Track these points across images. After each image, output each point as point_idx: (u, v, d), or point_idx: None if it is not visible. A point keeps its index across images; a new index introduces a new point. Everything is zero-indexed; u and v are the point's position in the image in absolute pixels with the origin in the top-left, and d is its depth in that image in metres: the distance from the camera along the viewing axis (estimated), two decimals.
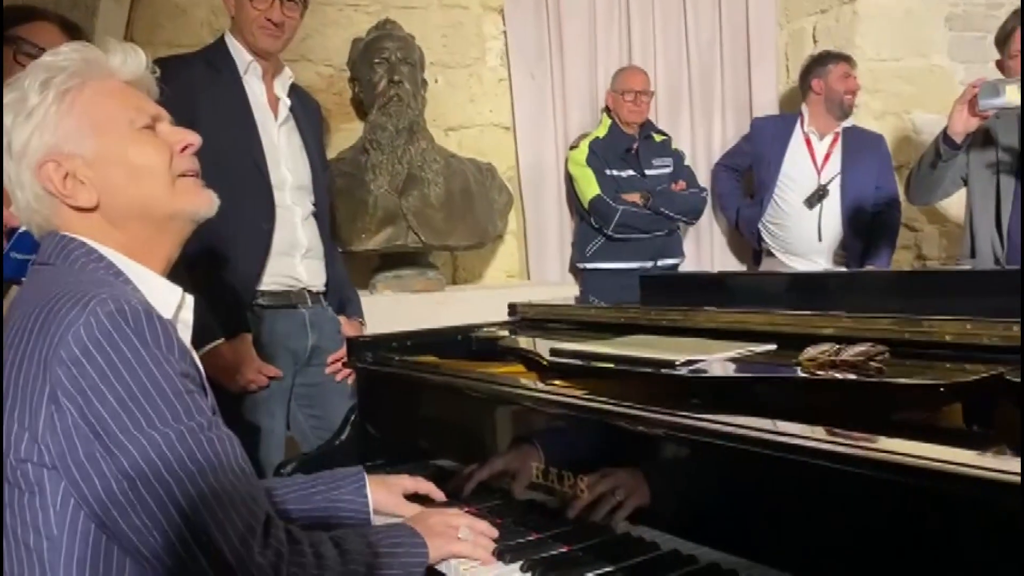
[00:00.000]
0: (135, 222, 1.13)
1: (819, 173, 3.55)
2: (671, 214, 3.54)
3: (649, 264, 3.52)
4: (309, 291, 2.21)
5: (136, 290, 1.09)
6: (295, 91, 2.28)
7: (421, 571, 1.17)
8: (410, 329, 1.95)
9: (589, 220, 3.57)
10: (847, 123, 3.61)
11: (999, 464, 0.78)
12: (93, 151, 1.10)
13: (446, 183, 3.13)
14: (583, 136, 3.67)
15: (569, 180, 3.69)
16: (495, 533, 1.27)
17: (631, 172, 3.58)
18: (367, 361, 1.87)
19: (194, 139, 1.18)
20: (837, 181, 3.52)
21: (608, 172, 3.53)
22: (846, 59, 3.56)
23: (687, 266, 3.77)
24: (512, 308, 2.07)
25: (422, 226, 3.03)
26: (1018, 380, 0.98)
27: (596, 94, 3.84)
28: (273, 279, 2.13)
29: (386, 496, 1.42)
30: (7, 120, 1.10)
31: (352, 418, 1.87)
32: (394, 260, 3.21)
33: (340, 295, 2.36)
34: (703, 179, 3.88)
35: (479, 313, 2.07)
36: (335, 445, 1.86)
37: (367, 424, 1.85)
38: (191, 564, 0.97)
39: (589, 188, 3.51)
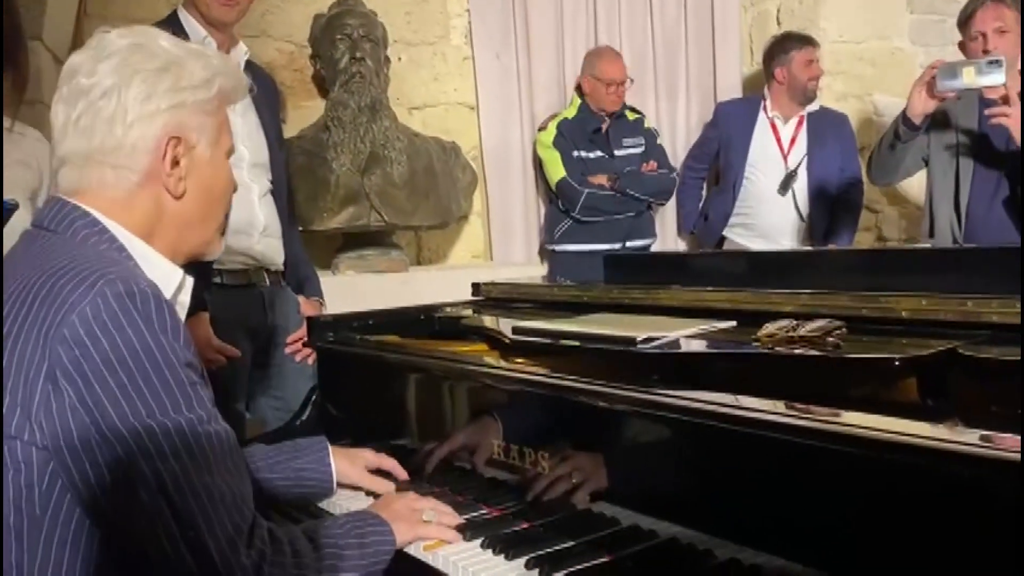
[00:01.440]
0: (176, 230, 1.13)
1: (786, 158, 3.57)
2: (639, 195, 3.53)
3: (619, 245, 3.51)
4: (267, 270, 2.18)
5: (138, 269, 1.06)
6: (251, 67, 2.23)
7: (389, 557, 1.16)
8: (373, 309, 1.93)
9: (557, 202, 3.57)
10: (813, 106, 3.63)
11: (953, 436, 0.79)
12: (205, 158, 1.13)
13: (409, 162, 3.10)
14: (552, 117, 3.64)
15: (538, 162, 3.68)
16: (459, 518, 1.26)
17: (599, 153, 3.57)
18: (328, 341, 1.85)
19: (235, 185, 1.22)
20: (803, 164, 3.54)
21: (575, 154, 3.52)
22: (809, 42, 3.56)
23: (658, 247, 3.78)
24: (476, 287, 2.06)
25: (385, 205, 3.00)
26: (972, 354, 0.99)
27: (562, 73, 3.82)
28: (231, 258, 2.09)
29: (348, 467, 1.42)
30: (146, 64, 1.07)
31: (313, 398, 1.85)
32: (357, 240, 3.18)
33: (299, 274, 2.33)
34: (675, 159, 3.88)
35: (443, 293, 2.06)
36: (295, 426, 1.84)
37: (328, 404, 1.83)
38: (176, 561, 0.95)
39: (555, 170, 3.51)
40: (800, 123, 3.59)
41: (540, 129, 3.64)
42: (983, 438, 0.77)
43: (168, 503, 0.94)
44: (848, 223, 3.58)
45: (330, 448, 1.43)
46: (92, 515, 0.96)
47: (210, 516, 0.96)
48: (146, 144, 1.07)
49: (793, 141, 3.58)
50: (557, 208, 3.58)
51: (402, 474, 1.47)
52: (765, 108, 3.61)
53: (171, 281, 1.11)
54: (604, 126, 3.57)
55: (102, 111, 1.06)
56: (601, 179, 3.49)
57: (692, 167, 3.83)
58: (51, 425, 0.93)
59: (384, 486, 1.43)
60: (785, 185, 3.53)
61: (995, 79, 2.45)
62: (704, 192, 3.90)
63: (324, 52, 3.16)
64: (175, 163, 1.09)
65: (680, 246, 4.01)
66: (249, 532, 0.99)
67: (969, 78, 2.46)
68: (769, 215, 3.58)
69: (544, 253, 3.78)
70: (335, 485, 1.41)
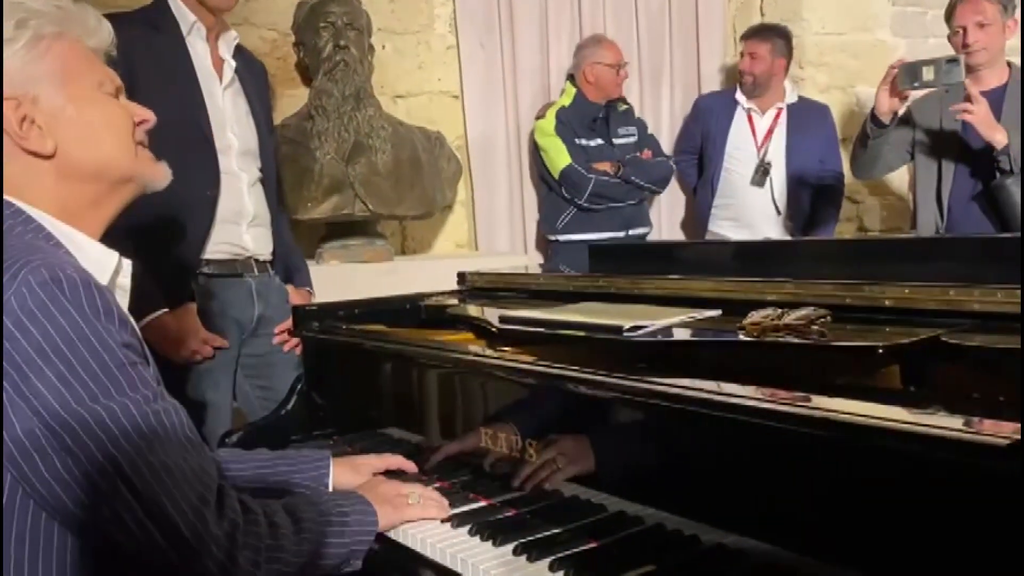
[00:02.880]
0: (87, 180, 1.09)
1: (759, 149, 3.59)
2: (642, 183, 3.53)
3: (621, 234, 3.51)
4: (256, 260, 2.16)
5: (69, 255, 1.04)
6: (240, 53, 2.21)
7: (371, 538, 1.16)
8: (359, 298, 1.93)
9: (559, 191, 3.49)
10: (792, 98, 3.65)
11: (937, 421, 0.80)
12: (59, 102, 1.07)
13: (394, 151, 3.08)
14: (548, 106, 3.60)
15: (534, 151, 3.63)
16: (444, 501, 1.27)
17: (600, 141, 3.54)
18: (314, 330, 1.85)
19: (151, 117, 1.17)
20: (782, 155, 3.56)
21: (577, 141, 3.48)
22: (756, 34, 3.58)
23: (653, 236, 3.79)
24: (461, 277, 2.06)
25: (369, 195, 2.99)
26: (956, 342, 1.01)
27: (547, 63, 3.81)
28: (218, 247, 2.08)
29: (353, 478, 1.38)
30: None
31: (299, 388, 1.85)
32: (341, 229, 3.17)
33: (288, 264, 2.32)
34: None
35: (428, 283, 2.06)
36: (281, 415, 1.84)
37: (314, 393, 1.83)
38: (144, 539, 0.94)
39: (560, 158, 3.44)
40: (778, 115, 3.61)
41: (538, 117, 3.58)
42: (967, 424, 0.78)
43: (127, 486, 0.93)
44: (829, 214, 3.61)
45: (332, 463, 1.38)
46: (50, 509, 0.94)
47: (172, 492, 0.95)
48: None
49: (769, 133, 3.60)
50: (559, 197, 3.51)
51: (412, 469, 1.45)
52: (740, 100, 3.64)
53: (106, 266, 1.09)
54: (602, 114, 3.55)
55: None
56: (606, 166, 3.47)
57: (683, 160, 3.84)
58: None
59: None
60: (756, 177, 3.55)
61: (954, 77, 2.51)
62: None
63: (308, 40, 3.14)
64: (23, 123, 1.04)
65: (678, 235, 4.03)
66: (218, 502, 0.98)
67: (928, 76, 2.52)
68: (751, 207, 3.59)
69: (543, 244, 3.74)
70: None
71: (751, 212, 3.59)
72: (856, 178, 3.31)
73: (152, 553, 0.95)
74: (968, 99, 2.57)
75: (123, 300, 1.10)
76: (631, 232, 3.56)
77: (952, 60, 2.50)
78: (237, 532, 0.98)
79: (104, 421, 0.93)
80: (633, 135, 3.62)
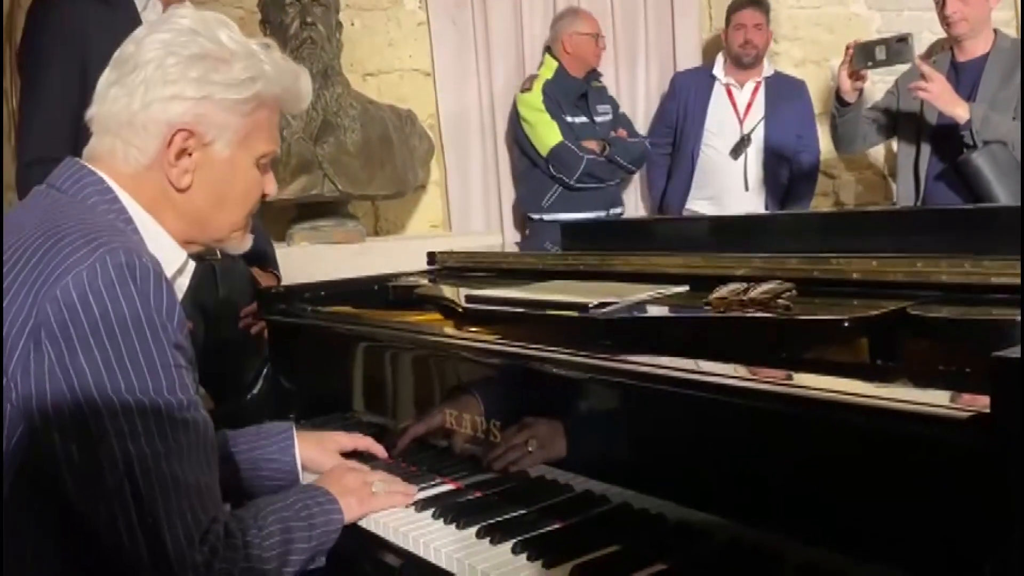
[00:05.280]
0: (188, 220, 1.10)
1: (741, 123, 3.57)
2: (624, 163, 3.50)
3: (603, 213, 3.47)
4: None
5: (143, 243, 1.03)
6: None
7: (336, 535, 1.13)
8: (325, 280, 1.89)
9: (544, 168, 3.40)
10: (768, 71, 3.63)
11: (901, 395, 0.78)
12: (223, 156, 1.09)
13: (363, 130, 3.04)
14: (532, 78, 3.49)
15: (513, 124, 3.51)
16: (410, 488, 1.24)
17: (584, 119, 3.48)
18: (279, 313, 1.81)
19: (274, 192, 1.20)
20: (760, 130, 3.55)
21: (565, 118, 3.40)
22: (745, 5, 3.54)
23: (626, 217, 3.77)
24: (431, 257, 2.03)
25: (339, 174, 2.95)
26: (922, 314, 0.99)
27: (520, 38, 3.76)
28: None
29: (319, 453, 1.37)
30: (189, 48, 1.04)
31: (265, 372, 1.82)
32: (312, 210, 3.12)
33: (254, 246, 2.26)
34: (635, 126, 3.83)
35: (400, 264, 2.03)
36: (247, 400, 1.81)
37: (280, 377, 1.80)
38: (130, 550, 0.92)
39: (550, 135, 3.35)
40: (756, 89, 3.59)
41: (524, 90, 3.47)
42: (935, 397, 0.76)
43: (131, 486, 0.91)
44: (805, 189, 3.60)
45: (296, 435, 1.36)
46: (45, 489, 0.92)
47: (172, 506, 0.92)
48: (157, 128, 1.05)
49: (749, 106, 3.58)
50: (543, 175, 3.42)
51: (381, 452, 1.42)
52: (719, 74, 3.60)
53: (173, 261, 1.09)
54: (586, 91, 3.50)
55: (129, 82, 1.04)
56: (592, 144, 3.42)
57: (656, 143, 3.75)
58: (26, 385, 0.91)
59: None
60: (737, 149, 3.52)
61: (904, 56, 2.53)
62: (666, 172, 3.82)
63: (273, 18, 3.07)
64: (181, 155, 1.06)
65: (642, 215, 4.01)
66: (206, 528, 0.96)
67: (881, 56, 2.56)
68: (728, 184, 3.57)
69: (520, 222, 3.68)
70: (300, 475, 1.34)
71: (728, 188, 3.58)
72: (838, 153, 3.31)
73: (132, 565, 0.92)
74: (924, 77, 2.58)
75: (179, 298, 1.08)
76: (611, 212, 3.53)
77: (901, 39, 2.52)
78: (215, 559, 0.95)
79: (132, 415, 0.91)
80: (609, 113, 3.58)
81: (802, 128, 3.61)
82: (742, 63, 3.56)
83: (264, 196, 1.18)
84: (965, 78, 2.72)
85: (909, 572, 0.78)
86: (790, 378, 0.88)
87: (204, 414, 1.00)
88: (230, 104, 1.06)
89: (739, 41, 3.52)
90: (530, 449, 1.18)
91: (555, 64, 3.48)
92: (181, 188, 1.08)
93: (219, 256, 2.10)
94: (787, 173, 3.57)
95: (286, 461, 1.34)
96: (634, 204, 4.01)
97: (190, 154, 1.07)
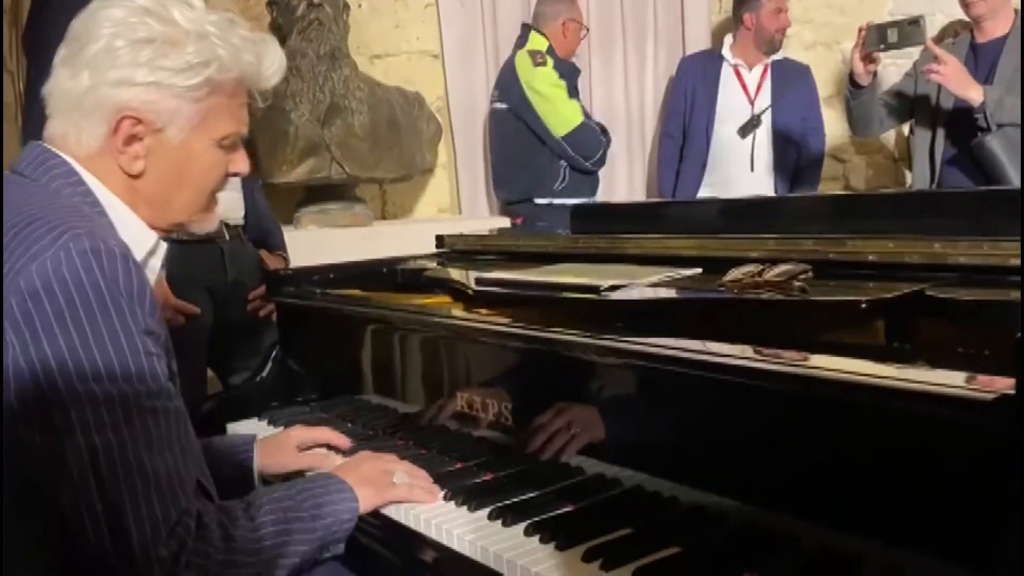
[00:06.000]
0: (147, 203, 1.06)
1: (752, 103, 3.55)
2: (607, 149, 3.47)
3: (599, 199, 3.44)
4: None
5: (111, 226, 1.01)
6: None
7: (351, 525, 1.11)
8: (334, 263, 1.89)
9: (558, 149, 3.29)
10: (776, 55, 3.60)
11: (922, 377, 0.77)
12: (176, 142, 1.05)
13: (371, 112, 3.02)
14: (540, 52, 3.32)
15: (519, 102, 3.29)
16: (437, 490, 1.19)
17: (580, 103, 3.43)
18: (288, 295, 1.81)
19: (245, 171, 1.16)
20: (767, 113, 3.52)
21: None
22: None
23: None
24: (440, 240, 2.02)
25: (346, 157, 2.93)
26: (940, 296, 0.98)
27: (530, 20, 3.73)
28: None
29: (275, 457, 1.35)
30: (138, 31, 1.00)
31: (274, 354, 1.81)
32: (319, 193, 3.11)
33: (261, 228, 2.26)
34: (643, 110, 3.81)
35: (408, 248, 2.02)
36: (256, 382, 1.81)
37: (289, 360, 1.80)
38: (95, 543, 0.88)
39: (572, 113, 3.22)
40: (765, 71, 3.56)
41: (539, 64, 3.26)
42: (956, 379, 0.75)
43: (96, 478, 0.88)
44: (812, 174, 3.58)
45: (256, 447, 1.33)
46: (17, 480, 0.89)
47: (138, 498, 0.89)
48: (104, 113, 1.01)
49: (759, 88, 3.55)
50: (552, 156, 3.29)
51: (343, 443, 1.40)
52: (727, 55, 3.56)
53: (144, 243, 1.06)
54: (579, 76, 3.46)
55: (77, 62, 1.01)
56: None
57: (670, 134, 3.67)
58: None
59: (321, 461, 1.35)
60: (746, 128, 3.49)
61: (916, 38, 2.51)
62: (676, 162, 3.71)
63: None
64: (131, 140, 1.02)
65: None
66: (175, 520, 0.92)
67: (893, 39, 2.54)
68: (736, 167, 3.54)
69: (528, 207, 3.49)
70: (257, 481, 1.32)
71: (736, 169, 3.55)
72: (855, 135, 3.29)
73: (96, 558, 0.89)
74: (936, 59, 2.55)
75: (151, 281, 1.04)
76: (595, 198, 3.48)
77: (913, 21, 2.50)
78: (183, 552, 0.91)
79: (98, 405, 0.88)
80: (580, 102, 3.48)
81: (807, 112, 3.58)
82: (772, 47, 3.51)
83: (234, 175, 1.14)
84: (984, 60, 2.68)
85: (927, 555, 0.77)
86: (806, 360, 0.87)
87: (177, 403, 0.96)
88: (181, 91, 1.02)
89: (780, 25, 3.47)
90: (540, 431, 1.17)
91: (546, 43, 3.34)
92: (133, 174, 1.04)
93: (227, 237, 2.10)
94: (794, 156, 3.55)
95: (244, 470, 1.31)
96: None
97: (140, 139, 1.03)
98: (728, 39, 3.62)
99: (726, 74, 3.58)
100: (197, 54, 1.02)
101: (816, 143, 3.57)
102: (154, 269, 1.08)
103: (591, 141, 3.27)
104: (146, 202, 1.06)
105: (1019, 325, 0.68)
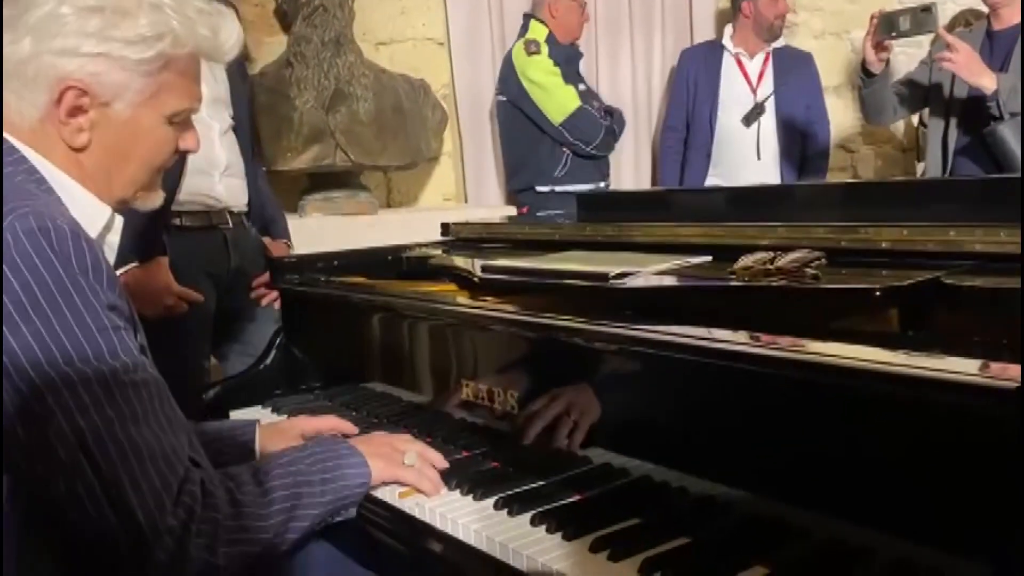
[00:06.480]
0: (91, 177, 1.02)
1: (755, 92, 3.52)
2: (619, 134, 3.44)
3: (603, 184, 3.41)
4: (230, 211, 2.09)
5: (60, 203, 0.97)
6: None
7: (363, 490, 1.10)
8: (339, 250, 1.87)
9: (558, 136, 3.26)
10: (779, 43, 3.57)
11: (939, 365, 0.75)
12: (123, 116, 1.01)
13: (376, 99, 3.00)
14: (534, 41, 3.32)
15: (517, 92, 3.30)
16: (444, 463, 1.19)
17: (583, 87, 3.39)
18: (292, 282, 1.79)
19: (195, 148, 1.12)
20: (771, 101, 3.49)
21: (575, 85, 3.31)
22: None
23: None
24: (445, 228, 2.01)
25: (351, 144, 2.91)
26: (957, 283, 0.96)
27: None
28: (191, 198, 2.00)
29: (278, 444, 1.30)
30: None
31: (277, 342, 1.80)
32: (324, 181, 3.09)
33: (264, 215, 2.25)
34: (650, 96, 3.78)
35: (413, 236, 2.01)
36: (260, 370, 1.79)
37: (293, 347, 1.78)
38: (99, 521, 0.87)
39: (568, 99, 3.22)
40: (766, 60, 3.54)
41: (532, 53, 3.26)
42: (971, 367, 0.73)
43: (88, 460, 0.86)
44: (818, 160, 3.55)
45: (258, 432, 1.31)
46: (11, 478, 0.88)
47: (135, 472, 0.88)
48: (47, 82, 0.96)
49: (761, 76, 3.53)
50: (553, 143, 3.29)
51: (350, 429, 1.38)
52: (728, 45, 3.53)
53: (97, 218, 1.02)
54: (581, 60, 3.43)
55: (20, 26, 0.95)
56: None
57: (673, 127, 3.64)
58: None
59: None
60: (750, 117, 3.46)
61: (928, 26, 2.48)
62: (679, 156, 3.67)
63: None
64: (75, 112, 0.98)
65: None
66: (178, 489, 0.91)
67: (905, 26, 2.52)
68: (741, 156, 3.51)
69: (532, 196, 3.49)
70: None
71: (741, 158, 3.52)
72: (868, 123, 3.27)
73: (102, 537, 0.88)
74: (948, 47, 2.52)
75: (110, 258, 1.02)
76: (602, 184, 3.45)
77: (925, 9, 2.48)
78: (192, 520, 0.90)
79: (76, 388, 0.86)
80: (585, 85, 3.46)
81: (811, 100, 3.56)
82: (773, 34, 3.49)
83: (183, 152, 1.10)
84: (999, 47, 2.65)
85: (939, 546, 0.76)
86: (819, 348, 0.85)
87: (154, 373, 0.94)
88: (131, 63, 0.97)
89: (779, 11, 3.46)
90: (546, 420, 1.15)
91: (545, 30, 3.33)
92: (76, 147, 0.99)
93: (230, 223, 2.09)
94: (800, 145, 3.52)
95: (246, 455, 1.28)
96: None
97: (85, 111, 0.98)
98: (728, 29, 3.60)
99: (727, 64, 3.55)
100: (150, 26, 0.98)
101: (821, 131, 3.55)
102: (113, 245, 1.06)
103: (589, 126, 3.26)
104: (90, 177, 1.02)
105: (1019, 311, 0.66)
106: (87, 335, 0.88)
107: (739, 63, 3.54)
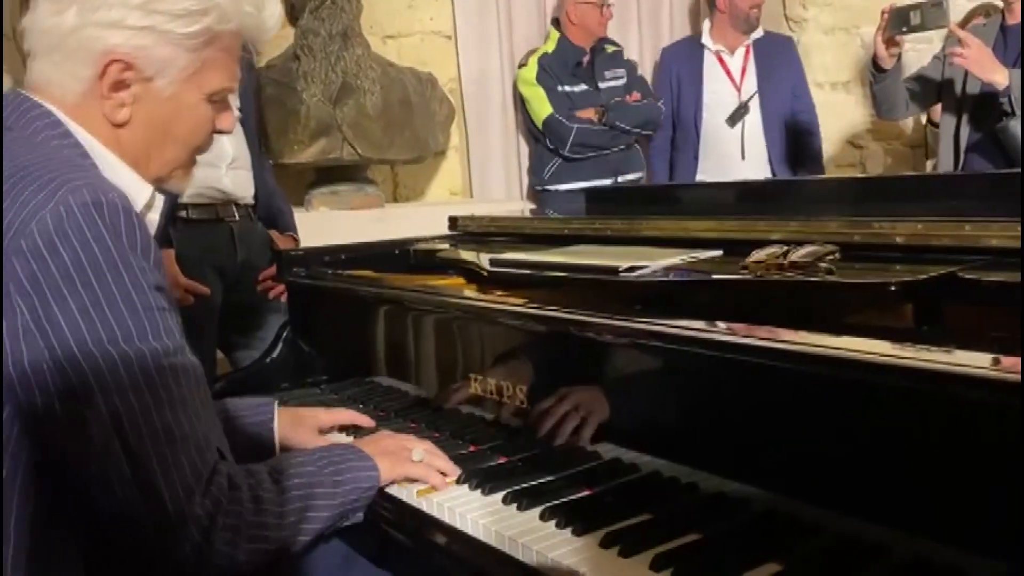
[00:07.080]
0: (127, 155, 1.01)
1: (739, 90, 3.49)
2: (627, 127, 3.42)
3: (609, 182, 3.41)
4: (236, 204, 2.09)
5: (103, 178, 0.95)
6: None
7: (371, 493, 1.09)
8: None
9: (544, 141, 3.43)
10: (758, 34, 3.53)
11: (954, 359, 0.74)
12: (166, 93, 0.99)
13: (383, 93, 2.98)
14: (531, 53, 3.48)
15: (520, 100, 3.54)
16: (451, 464, 1.17)
17: (584, 87, 3.44)
18: (299, 276, 1.79)
19: (230, 129, 1.10)
20: (756, 99, 3.46)
21: (560, 88, 3.39)
22: None
23: (647, 181, 3.69)
24: (453, 221, 2.00)
25: (358, 138, 2.90)
26: (974, 278, 0.94)
27: (542, 3, 3.69)
28: (197, 191, 1.99)
29: (296, 431, 1.31)
30: None
31: (284, 335, 1.79)
32: (330, 175, 3.08)
33: (271, 208, 2.24)
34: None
35: (419, 230, 2.00)
36: (267, 363, 1.79)
37: (300, 341, 1.78)
38: (127, 505, 0.87)
39: (542, 108, 3.38)
40: (747, 53, 3.51)
41: (520, 66, 3.49)
42: (986, 361, 0.72)
43: (121, 442, 0.85)
44: (811, 151, 3.52)
45: (277, 412, 1.31)
46: (36, 444, 0.87)
47: (166, 459, 0.87)
48: (89, 55, 0.95)
49: (743, 72, 3.50)
50: (545, 147, 3.45)
51: (367, 422, 1.38)
52: (707, 42, 3.51)
53: (140, 196, 1.01)
54: (585, 59, 3.44)
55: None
56: (589, 113, 3.37)
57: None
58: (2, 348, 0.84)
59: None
60: (734, 117, 3.44)
61: (938, 21, 2.46)
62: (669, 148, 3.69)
63: None
64: (118, 87, 0.97)
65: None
66: (208, 479, 0.90)
67: (916, 21, 2.51)
68: (727, 156, 3.49)
69: (532, 195, 3.65)
70: (277, 451, 1.28)
71: (727, 158, 3.49)
72: (880, 118, 3.24)
73: (129, 524, 0.88)
74: (960, 42, 2.50)
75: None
76: (621, 179, 3.46)
77: (936, 3, 2.45)
78: (219, 512, 0.90)
79: (117, 368, 0.85)
80: (621, 78, 3.50)
81: (795, 87, 3.53)
82: (750, 25, 3.46)
83: (219, 132, 1.08)
84: (1013, 42, 2.63)
85: (952, 542, 0.75)
86: (832, 343, 0.83)
87: (192, 359, 0.93)
88: (177, 38, 0.96)
89: (754, 2, 3.42)
90: (555, 414, 1.14)
91: (558, 36, 3.45)
92: (116, 123, 0.98)
93: (237, 216, 2.08)
94: (788, 140, 3.49)
95: (266, 437, 1.28)
96: None
97: (128, 86, 0.97)
98: (706, 24, 3.57)
99: (709, 62, 3.53)
100: (197, 1, 0.97)
101: (808, 118, 3.51)
102: (153, 223, 1.04)
103: (560, 131, 3.38)
104: (128, 154, 1.01)
105: (1019, 305, 0.64)
106: (132, 313, 0.87)
107: (721, 61, 3.51)
